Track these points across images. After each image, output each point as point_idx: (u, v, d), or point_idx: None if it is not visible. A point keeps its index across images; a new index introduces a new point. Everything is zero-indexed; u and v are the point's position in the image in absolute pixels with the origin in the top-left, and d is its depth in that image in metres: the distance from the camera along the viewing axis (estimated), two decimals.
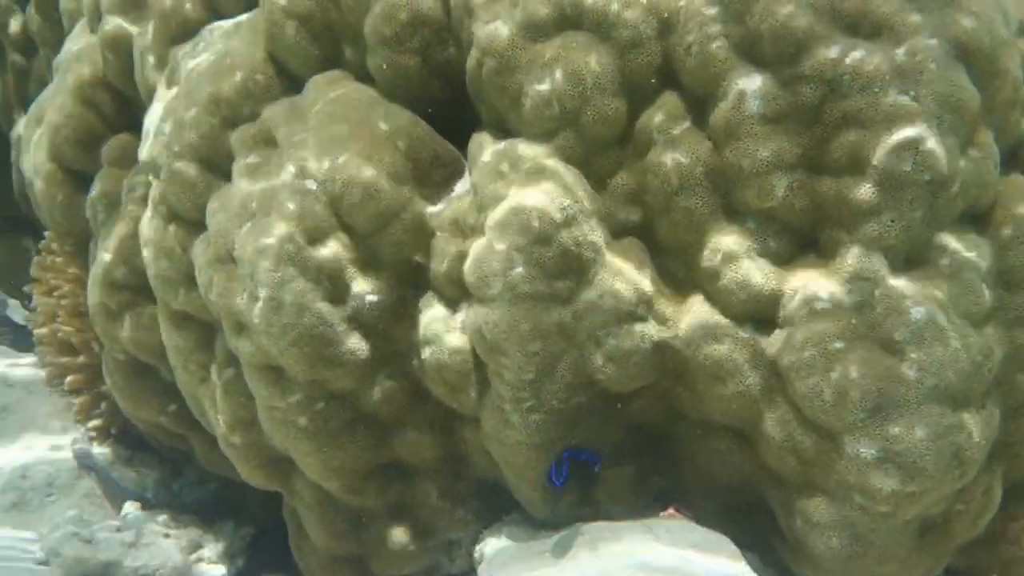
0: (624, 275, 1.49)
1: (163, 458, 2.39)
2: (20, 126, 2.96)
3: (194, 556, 2.04)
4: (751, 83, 1.38)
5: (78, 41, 2.03)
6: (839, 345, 1.36)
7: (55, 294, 2.50)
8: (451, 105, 1.66)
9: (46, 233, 2.69)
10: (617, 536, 1.51)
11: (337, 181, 1.56)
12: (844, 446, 1.36)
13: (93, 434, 2.39)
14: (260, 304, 1.57)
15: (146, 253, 1.79)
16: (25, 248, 3.51)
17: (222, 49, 1.71)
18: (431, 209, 1.62)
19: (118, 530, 2.02)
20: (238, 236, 1.60)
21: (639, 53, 1.44)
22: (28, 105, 2.95)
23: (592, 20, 1.45)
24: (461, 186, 1.64)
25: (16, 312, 4.59)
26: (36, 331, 2.61)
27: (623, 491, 1.63)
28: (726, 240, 1.44)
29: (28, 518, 2.11)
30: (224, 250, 1.63)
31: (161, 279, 1.76)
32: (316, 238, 1.57)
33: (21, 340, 3.72)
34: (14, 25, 2.73)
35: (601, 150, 1.49)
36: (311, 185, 1.57)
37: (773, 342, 1.44)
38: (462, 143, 1.66)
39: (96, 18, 1.96)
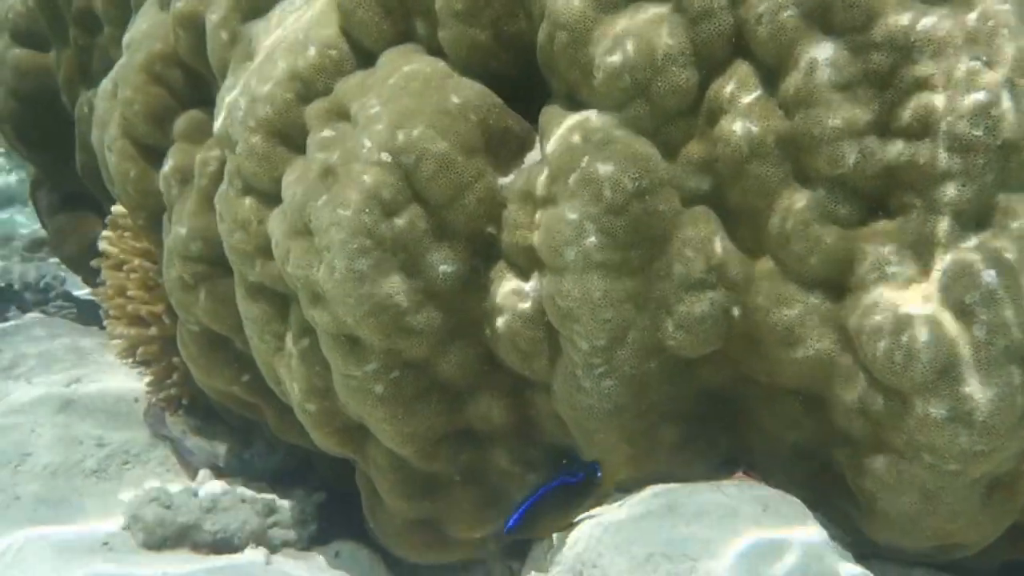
0: (694, 243, 1.52)
1: (232, 428, 2.46)
2: (84, 102, 3.04)
3: (269, 520, 2.11)
4: (822, 51, 1.40)
5: (148, 18, 2.07)
6: (909, 308, 1.38)
7: (124, 268, 2.58)
8: (521, 78, 1.69)
9: (113, 208, 2.76)
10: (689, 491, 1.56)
11: (411, 154, 1.59)
12: (914, 407, 1.39)
13: (164, 404, 2.47)
14: (336, 275, 1.62)
15: (222, 226, 1.84)
16: (87, 223, 3.60)
17: (295, 25, 1.75)
18: (503, 180, 1.65)
19: (195, 495, 2.09)
20: (314, 208, 1.65)
21: (710, 23, 1.46)
22: (91, 82, 3.02)
23: None
24: (531, 158, 1.67)
25: (76, 286, 4.71)
26: (105, 304, 2.69)
27: (691, 456, 1.67)
28: (797, 206, 1.46)
29: (107, 485, 2.19)
30: (301, 222, 1.67)
31: (237, 252, 1.82)
32: (391, 210, 1.61)
33: (84, 313, 3.84)
34: (77, 2, 2.78)
35: (672, 120, 1.52)
36: (386, 158, 1.61)
37: (843, 306, 1.46)
38: (531, 116, 1.70)
39: None
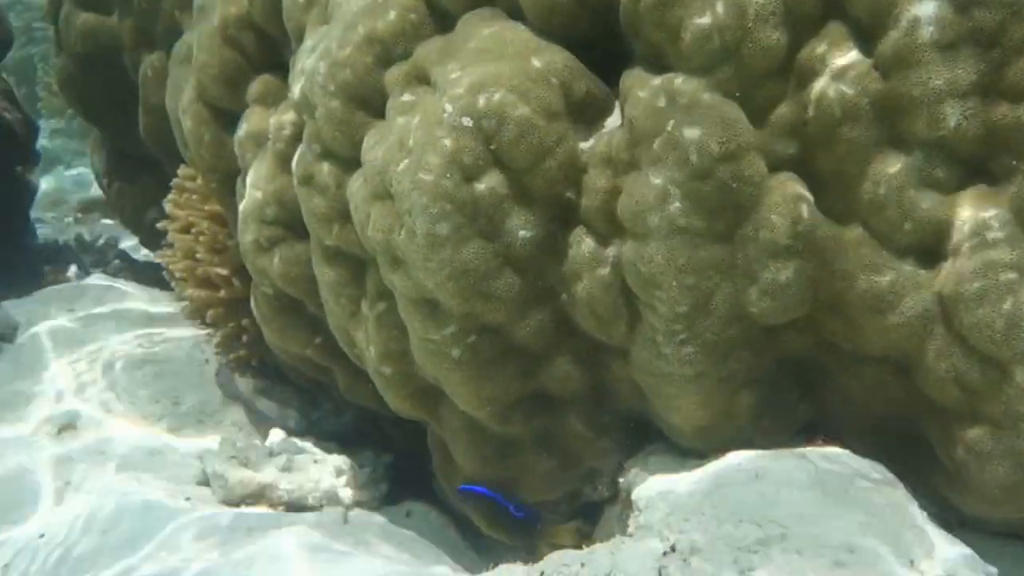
0: (781, 208, 1.49)
1: (300, 389, 2.50)
2: (147, 65, 3.05)
3: (341, 480, 2.15)
4: (925, 9, 1.36)
5: None
6: (1012, 275, 1.35)
7: (192, 231, 2.61)
8: (600, 41, 1.66)
9: (179, 171, 2.79)
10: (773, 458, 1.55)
11: (493, 118, 1.58)
12: (1014, 376, 1.36)
13: (234, 366, 2.51)
14: (417, 239, 1.62)
15: (300, 191, 1.85)
16: (146, 186, 3.64)
17: None
18: (583, 145, 1.64)
19: (270, 455, 2.13)
20: (395, 173, 1.65)
21: None
22: (154, 45, 3.03)
23: None
24: (612, 122, 1.65)
25: (132, 247, 4.78)
26: (172, 266, 2.73)
27: (770, 423, 1.66)
28: (891, 170, 1.43)
29: (183, 441, 2.24)
30: (381, 187, 1.67)
31: (315, 215, 1.83)
32: (472, 175, 1.60)
33: (142, 274, 3.90)
34: None
35: (760, 82, 1.49)
36: (467, 122, 1.60)
37: (938, 273, 1.44)
38: (610, 80, 1.67)
39: None
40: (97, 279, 3.21)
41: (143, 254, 4.66)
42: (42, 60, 7.50)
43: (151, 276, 3.72)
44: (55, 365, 2.48)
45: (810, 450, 1.55)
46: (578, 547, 1.85)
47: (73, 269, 4.29)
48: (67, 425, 2.22)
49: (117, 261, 4.50)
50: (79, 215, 6.36)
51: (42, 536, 1.84)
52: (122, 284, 3.11)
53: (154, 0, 2.91)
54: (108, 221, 5.82)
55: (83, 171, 7.14)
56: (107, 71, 3.38)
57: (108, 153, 3.86)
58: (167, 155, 3.26)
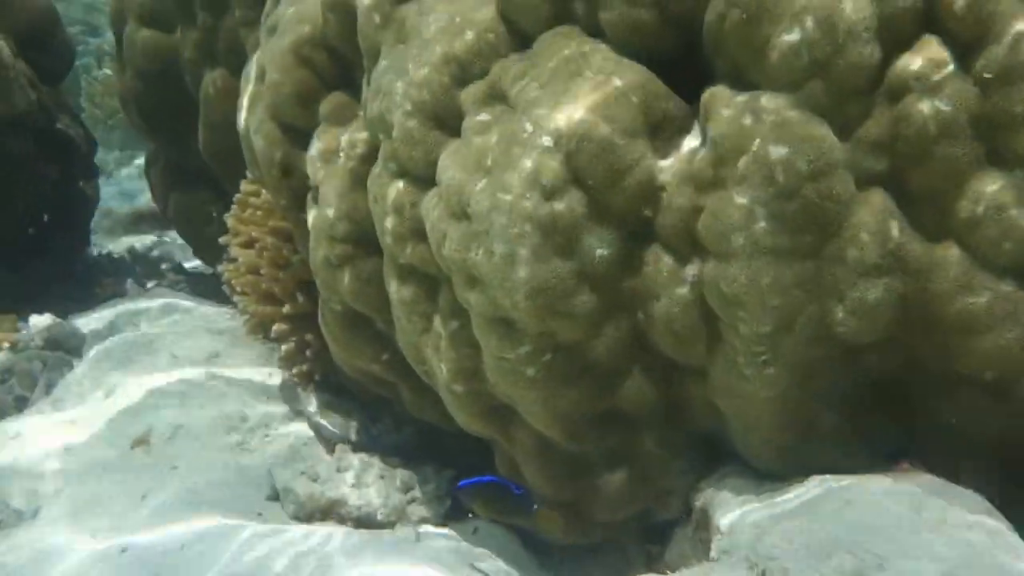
0: (870, 226, 1.47)
1: (361, 403, 2.50)
2: (209, 82, 3.09)
3: (407, 496, 2.14)
4: None
5: (295, 2, 2.09)
6: None
7: (256, 246, 2.63)
8: (679, 59, 1.64)
9: (241, 186, 2.81)
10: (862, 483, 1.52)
11: (573, 137, 1.57)
12: None
13: (297, 380, 2.52)
14: (495, 259, 1.62)
15: (374, 208, 1.85)
16: (205, 199, 3.69)
17: (452, 8, 1.73)
18: (662, 163, 1.62)
19: (338, 470, 2.13)
20: (473, 192, 1.64)
21: None
22: (216, 63, 3.08)
23: None
24: (691, 140, 1.63)
25: (185, 258, 4.84)
26: (235, 281, 2.75)
27: (855, 446, 1.63)
28: (990, 189, 1.40)
29: (250, 455, 2.25)
30: (458, 206, 1.67)
31: (389, 234, 1.83)
32: (551, 194, 1.59)
33: (198, 286, 3.94)
34: None
35: (850, 99, 1.46)
36: (546, 141, 1.59)
37: None
38: (687, 97, 1.65)
39: None
40: (158, 292, 3.24)
41: (193, 265, 4.72)
42: (84, 72, 7.63)
43: (207, 288, 3.76)
44: (125, 379, 2.50)
45: (901, 475, 1.52)
46: (569, 533, 1.89)
47: (130, 282, 4.36)
48: (141, 439, 2.24)
49: (171, 273, 4.56)
50: (129, 226, 6.44)
51: (124, 551, 1.86)
52: (183, 298, 3.14)
53: (217, 18, 2.96)
54: (157, 233, 5.90)
55: (125, 182, 7.24)
56: (168, 87, 3.44)
57: (165, 166, 3.91)
58: (226, 170, 3.31)
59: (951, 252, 1.46)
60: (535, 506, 1.91)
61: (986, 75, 1.37)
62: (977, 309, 1.43)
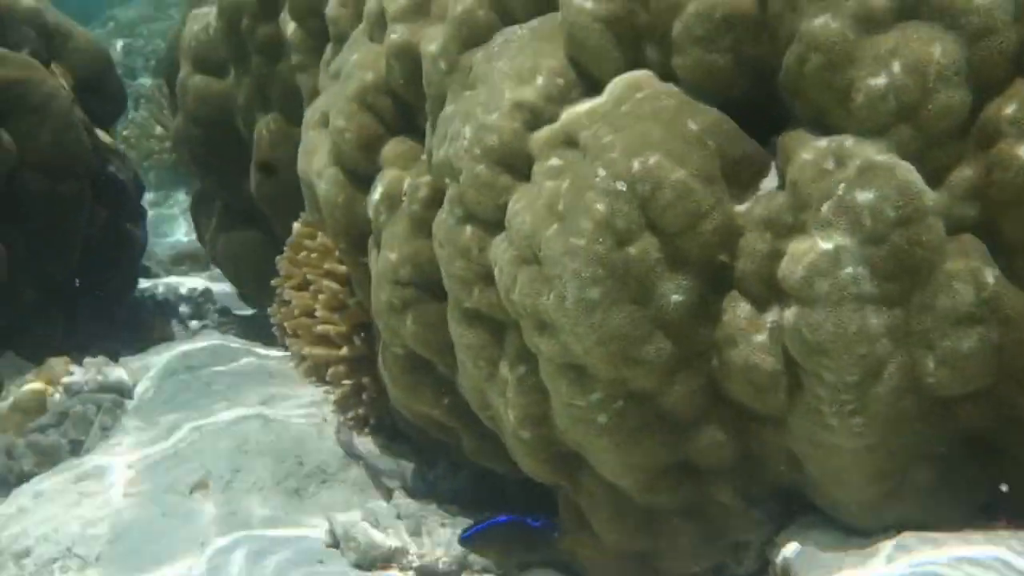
0: (963, 275, 1.43)
1: (417, 448, 2.48)
2: (262, 126, 3.12)
3: None
4: None
5: (359, 50, 2.10)
6: None
7: (311, 288, 2.63)
8: (754, 102, 1.62)
9: (294, 229, 2.82)
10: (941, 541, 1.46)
11: (648, 182, 1.55)
12: None
13: (352, 424, 2.50)
14: (567, 304, 1.59)
15: (441, 253, 1.84)
16: (253, 241, 3.71)
17: (520, 54, 1.73)
18: (738, 208, 1.59)
19: (398, 517, 2.10)
20: (544, 237, 1.62)
21: (991, 40, 1.36)
22: (269, 107, 3.11)
23: (936, 7, 1.38)
24: (768, 183, 1.60)
25: (229, 299, 4.85)
26: (288, 324, 2.74)
27: (946, 501, 1.57)
28: None
29: (307, 503, 2.22)
30: (529, 251, 1.65)
31: (456, 278, 1.81)
32: (625, 239, 1.57)
33: (245, 327, 3.95)
34: (262, 31, 2.87)
35: (939, 144, 1.43)
36: (620, 186, 1.57)
37: None
38: (762, 140, 1.63)
39: (379, 27, 2.03)
40: (207, 335, 3.25)
41: (239, 306, 4.74)
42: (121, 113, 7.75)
43: (255, 330, 3.76)
44: (180, 423, 2.50)
45: (1006, 534, 1.45)
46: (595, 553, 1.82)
47: (176, 323, 4.38)
48: (199, 484, 2.23)
49: (216, 315, 4.58)
50: (171, 267, 6.50)
51: None
52: (233, 340, 3.14)
53: (271, 64, 2.99)
54: (199, 274, 5.94)
55: (159, 223, 7.30)
56: (220, 131, 3.48)
57: (213, 207, 3.95)
58: (277, 213, 3.33)
59: None
60: (556, 533, 1.85)
61: None
62: None
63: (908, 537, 1.49)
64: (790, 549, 1.67)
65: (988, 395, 1.48)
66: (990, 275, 1.42)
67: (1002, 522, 1.51)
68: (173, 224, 7.57)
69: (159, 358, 2.98)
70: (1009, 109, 1.38)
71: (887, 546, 1.49)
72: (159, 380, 2.82)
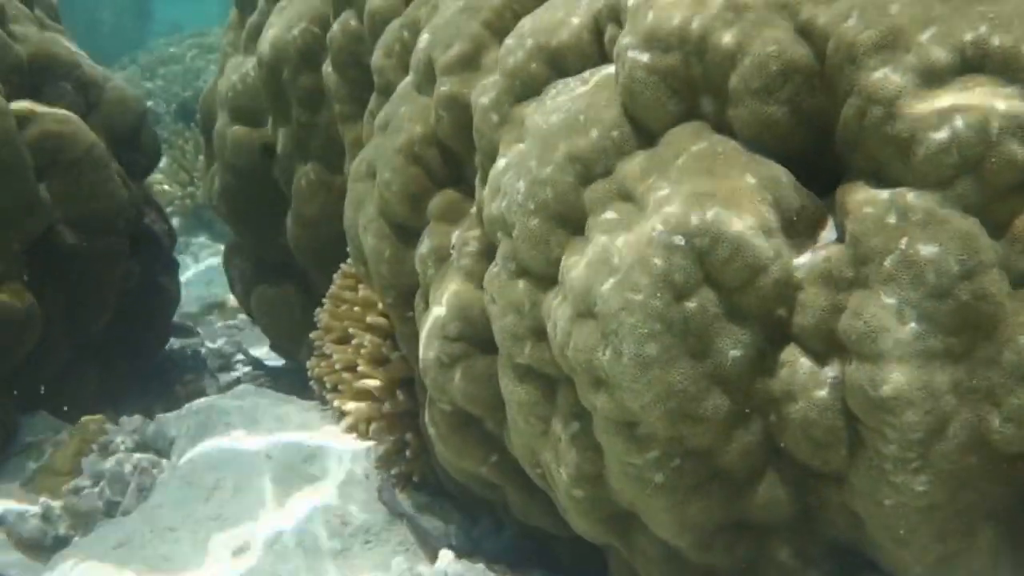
0: None
1: (461, 505, 2.44)
2: (301, 176, 3.14)
3: None
4: None
5: (406, 102, 2.11)
6: None
7: (353, 342, 2.62)
8: (810, 154, 1.62)
9: (336, 280, 2.82)
10: None
11: (706, 236, 1.54)
12: None
13: (395, 481, 2.48)
14: (624, 360, 1.57)
15: (492, 308, 1.83)
16: (288, 294, 3.72)
17: (574, 107, 1.73)
18: (796, 261, 1.58)
19: None
20: (600, 292, 1.61)
21: None
22: (308, 157, 3.14)
23: (998, 62, 1.38)
24: (826, 236, 1.59)
25: (261, 352, 4.85)
26: (328, 378, 2.73)
27: (1017, 562, 1.52)
28: None
29: (353, 564, 2.19)
30: (584, 306, 1.64)
31: (508, 333, 1.80)
32: (683, 294, 1.56)
33: (279, 383, 3.94)
34: (303, 81, 2.90)
35: (1003, 196, 1.41)
36: (678, 240, 1.56)
37: None
38: (820, 193, 1.62)
39: (428, 79, 2.04)
40: (243, 391, 3.23)
41: (270, 358, 4.73)
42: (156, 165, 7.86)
43: (289, 383, 3.75)
44: (222, 482, 2.47)
45: None
46: None
47: (208, 377, 4.38)
48: (241, 548, 2.20)
49: (248, 368, 4.58)
50: (198, 318, 6.52)
51: None
52: (268, 395, 3.12)
53: (312, 114, 3.02)
54: (228, 325, 5.94)
55: (186, 273, 7.35)
56: (256, 181, 3.51)
57: (245, 259, 3.97)
58: (314, 265, 3.34)
59: None
60: None
61: None
62: None
63: None
64: None
65: None
66: None
67: None
68: (196, 274, 7.62)
69: (196, 416, 2.95)
70: None
71: None
72: (196, 438, 2.79)
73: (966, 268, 1.40)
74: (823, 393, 1.55)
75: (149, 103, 8.34)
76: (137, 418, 3.07)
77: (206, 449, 2.63)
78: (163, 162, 7.63)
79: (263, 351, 4.81)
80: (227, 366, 4.85)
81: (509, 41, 1.85)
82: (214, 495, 2.40)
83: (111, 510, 2.64)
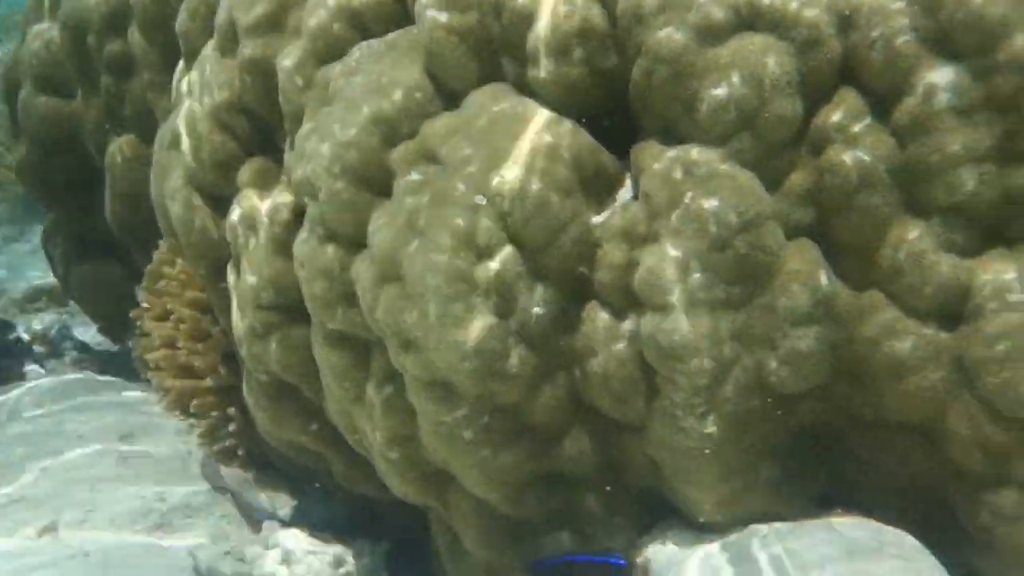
0: (800, 277, 1.50)
1: (287, 477, 2.41)
2: (115, 150, 3.00)
3: (341, 571, 2.06)
4: (942, 76, 1.39)
5: (210, 65, 2.04)
6: None
7: (172, 318, 2.53)
8: (608, 115, 1.67)
9: (154, 257, 2.71)
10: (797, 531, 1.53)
11: (506, 196, 1.57)
12: None
13: (219, 456, 2.42)
14: (430, 321, 1.59)
15: (302, 274, 1.80)
16: (111, 273, 3.55)
17: (378, 68, 1.72)
18: (596, 219, 1.63)
19: (266, 547, 2.03)
20: (405, 254, 1.62)
21: (818, 51, 1.45)
22: (122, 128, 2.99)
23: (769, 20, 1.46)
24: (624, 194, 1.65)
25: (86, 336, 4.61)
26: (149, 356, 2.63)
27: (789, 495, 1.64)
28: (910, 236, 1.45)
29: (173, 539, 2.12)
30: (391, 268, 1.64)
31: (318, 300, 1.78)
32: (486, 253, 1.58)
33: (106, 364, 3.77)
34: (111, 48, 2.75)
35: (776, 151, 1.50)
36: (480, 200, 1.58)
37: (959, 336, 1.45)
38: (619, 153, 1.68)
39: (231, 41, 1.98)
40: (61, 372, 3.07)
41: (98, 342, 4.51)
42: None
43: (115, 366, 3.60)
44: (29, 464, 2.34)
45: (836, 520, 1.53)
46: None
47: (30, 363, 4.13)
48: (47, 527, 2.09)
49: (74, 352, 4.34)
50: (26, 304, 6.14)
51: None
52: (90, 377, 2.98)
53: (122, 82, 2.87)
54: (56, 311, 5.63)
55: (15, 258, 6.91)
56: (68, 155, 3.32)
57: (65, 239, 3.76)
58: (136, 241, 3.19)
59: (876, 299, 1.50)
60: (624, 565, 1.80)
61: (902, 126, 1.42)
62: (901, 353, 1.46)
63: (755, 527, 1.55)
64: (651, 551, 1.70)
65: (827, 392, 1.56)
66: (824, 277, 1.49)
67: (837, 512, 1.59)
68: (28, 259, 7.15)
69: (8, 399, 2.79)
70: (836, 116, 1.47)
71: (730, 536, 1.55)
72: (7, 422, 2.64)
73: (744, 220, 1.48)
74: (621, 346, 1.61)
75: None
76: None
77: (13, 432, 2.48)
78: None
79: (93, 335, 4.59)
80: (55, 352, 4.59)
81: (311, 1, 1.82)
82: (20, 477, 2.27)
83: None
